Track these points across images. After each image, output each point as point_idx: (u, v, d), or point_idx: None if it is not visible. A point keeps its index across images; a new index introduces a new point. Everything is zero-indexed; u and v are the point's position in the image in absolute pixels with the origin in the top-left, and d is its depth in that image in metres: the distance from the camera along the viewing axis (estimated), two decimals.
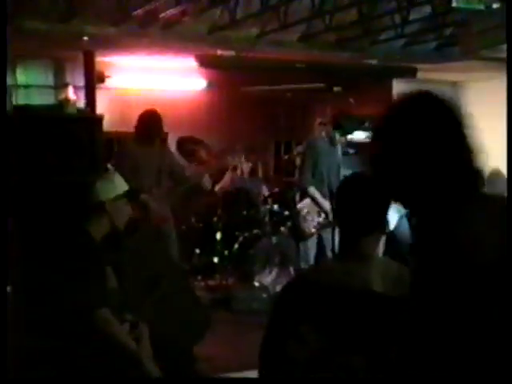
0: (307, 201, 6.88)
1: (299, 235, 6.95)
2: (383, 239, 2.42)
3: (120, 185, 3.91)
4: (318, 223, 6.82)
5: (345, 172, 7.91)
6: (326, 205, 6.81)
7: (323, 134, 7.03)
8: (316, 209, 6.84)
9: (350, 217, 2.41)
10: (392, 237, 7.57)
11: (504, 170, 8.10)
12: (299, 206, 6.95)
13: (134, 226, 4.04)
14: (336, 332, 2.25)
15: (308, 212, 6.83)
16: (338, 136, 6.96)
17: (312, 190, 6.84)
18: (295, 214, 6.93)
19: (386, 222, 2.41)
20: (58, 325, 3.51)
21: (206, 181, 7.01)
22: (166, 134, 8.80)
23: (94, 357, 3.49)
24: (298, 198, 7.20)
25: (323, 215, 6.81)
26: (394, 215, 7.38)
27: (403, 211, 7.38)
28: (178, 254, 6.87)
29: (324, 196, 6.86)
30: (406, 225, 7.51)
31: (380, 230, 2.40)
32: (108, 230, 3.81)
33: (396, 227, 7.40)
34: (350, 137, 10.20)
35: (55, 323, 3.51)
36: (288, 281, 2.64)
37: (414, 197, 1.86)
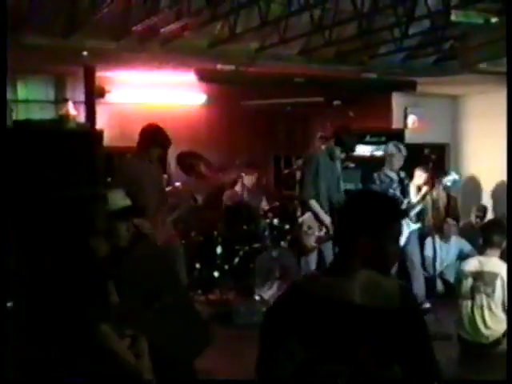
0: (308, 215, 6.87)
1: (300, 250, 6.94)
2: None
3: (116, 204, 3.91)
4: (319, 237, 6.82)
5: (345, 186, 7.93)
6: (327, 218, 6.81)
7: (323, 148, 7.03)
8: (316, 223, 6.83)
9: (339, 231, 2.51)
10: (405, 251, 7.61)
11: (504, 177, 8.10)
12: (300, 220, 6.94)
13: (134, 241, 4.04)
14: (319, 342, 2.30)
15: (309, 226, 6.82)
16: (338, 152, 6.96)
17: (313, 203, 6.84)
18: (296, 229, 6.92)
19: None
20: (59, 339, 3.50)
21: (198, 199, 6.90)
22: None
23: (93, 371, 3.48)
24: (299, 212, 7.19)
25: (324, 229, 6.81)
26: (405, 231, 7.40)
27: (413, 227, 7.41)
28: (185, 269, 6.84)
29: (324, 210, 6.86)
30: (415, 240, 7.51)
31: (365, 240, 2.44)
32: (111, 246, 3.81)
33: (405, 243, 7.42)
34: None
35: (57, 338, 3.51)
36: (276, 298, 2.74)
37: None
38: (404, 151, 7.65)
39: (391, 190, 7.51)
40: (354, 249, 2.41)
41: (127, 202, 3.93)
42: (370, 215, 2.44)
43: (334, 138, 6.92)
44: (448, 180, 7.86)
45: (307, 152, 7.30)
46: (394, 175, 7.60)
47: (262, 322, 2.53)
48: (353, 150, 7.21)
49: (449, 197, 10.24)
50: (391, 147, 7.81)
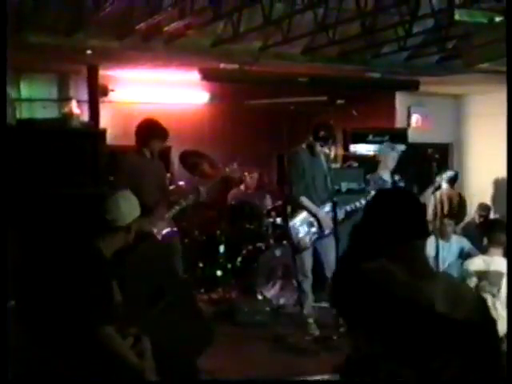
0: (300, 213, 6.85)
1: (294, 248, 6.92)
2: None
3: (137, 205, 3.92)
4: (312, 234, 6.80)
5: (349, 185, 7.90)
6: (320, 213, 6.77)
7: (303, 145, 7.00)
8: (309, 220, 6.81)
9: (406, 225, 2.49)
10: None
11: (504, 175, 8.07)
12: (292, 220, 6.90)
13: (137, 239, 4.03)
14: (391, 341, 2.28)
15: (301, 224, 6.80)
16: (318, 147, 6.90)
17: (304, 199, 6.80)
18: (290, 227, 6.89)
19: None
20: (62, 340, 3.50)
21: (202, 195, 6.89)
22: (169, 147, 8.81)
23: (96, 371, 3.48)
24: (289, 209, 7.14)
25: (316, 225, 6.78)
26: None
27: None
28: (183, 267, 6.85)
29: (316, 205, 6.82)
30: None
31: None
32: (120, 247, 3.81)
33: None
34: (353, 150, 10.28)
35: (59, 338, 3.51)
36: (350, 269, 2.72)
37: None
38: (397, 151, 7.60)
39: None
40: (424, 250, 2.45)
41: (137, 202, 3.94)
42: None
43: (312, 134, 6.89)
44: (443, 178, 7.81)
45: (289, 151, 7.24)
46: (387, 177, 7.55)
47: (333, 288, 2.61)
48: (329, 144, 7.04)
49: (460, 196, 10.20)
50: (385, 148, 7.78)
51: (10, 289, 3.53)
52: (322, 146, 6.86)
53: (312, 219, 6.80)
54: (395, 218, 2.49)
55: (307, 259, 6.84)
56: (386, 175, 7.56)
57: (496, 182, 10.91)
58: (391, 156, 7.54)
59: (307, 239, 6.78)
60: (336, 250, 6.41)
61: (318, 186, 6.85)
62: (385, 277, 2.42)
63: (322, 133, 6.83)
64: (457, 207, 9.93)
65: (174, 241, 6.71)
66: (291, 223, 6.84)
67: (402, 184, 7.49)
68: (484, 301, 2.51)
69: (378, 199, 2.64)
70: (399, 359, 2.25)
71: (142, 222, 5.19)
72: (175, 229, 6.74)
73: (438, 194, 8.44)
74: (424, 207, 2.61)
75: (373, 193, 7.24)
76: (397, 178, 7.53)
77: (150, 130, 6.61)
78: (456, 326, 2.27)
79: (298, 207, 6.86)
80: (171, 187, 7.69)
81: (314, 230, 6.80)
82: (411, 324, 2.27)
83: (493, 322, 2.43)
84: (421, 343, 2.26)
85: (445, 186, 9.80)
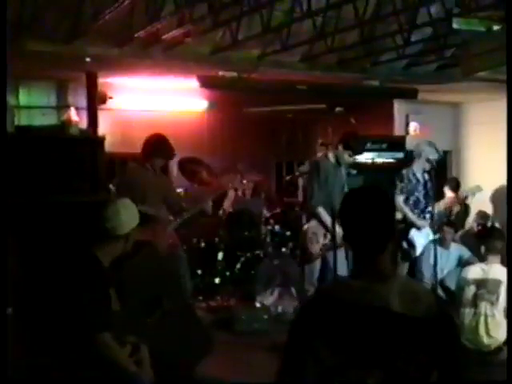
0: (313, 223, 6.83)
1: (305, 257, 6.90)
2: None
3: (136, 214, 3.92)
4: (324, 245, 6.78)
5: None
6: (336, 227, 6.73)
7: (330, 154, 6.97)
8: (322, 231, 6.78)
9: (363, 235, 2.43)
10: (418, 262, 7.49)
11: (504, 182, 8.09)
12: (305, 227, 6.89)
13: (137, 248, 4.03)
14: (352, 348, 2.28)
15: (314, 234, 6.77)
16: (346, 157, 6.90)
17: (320, 210, 6.76)
18: (301, 236, 6.87)
19: (395, 235, 2.50)
20: (60, 348, 3.50)
21: (208, 206, 6.90)
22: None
23: (94, 379, 3.47)
24: (304, 219, 7.13)
25: (328, 236, 6.75)
26: (421, 240, 7.32)
27: (431, 237, 7.30)
28: (189, 276, 6.85)
29: (331, 216, 6.79)
30: (431, 252, 7.44)
31: (392, 243, 2.45)
32: (118, 255, 3.80)
33: (422, 253, 7.37)
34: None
35: (58, 346, 3.50)
36: (307, 299, 2.68)
37: None
38: (439, 152, 7.42)
39: (416, 193, 7.37)
40: (385, 253, 2.42)
41: (138, 214, 3.94)
42: (394, 217, 2.48)
43: (342, 143, 6.87)
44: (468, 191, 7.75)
45: (313, 158, 7.22)
46: (420, 176, 7.43)
47: (291, 326, 2.46)
48: (361, 154, 7.09)
49: (466, 206, 10.19)
50: (424, 145, 7.61)
51: (8, 296, 3.53)
52: (350, 156, 6.88)
53: (324, 231, 6.77)
54: (354, 226, 2.45)
55: (316, 268, 6.83)
56: (419, 173, 7.43)
57: (495, 190, 10.90)
58: (430, 155, 7.36)
59: (318, 249, 6.77)
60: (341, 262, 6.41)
61: (337, 195, 6.79)
62: (339, 287, 2.43)
63: (351, 142, 6.85)
64: (462, 215, 9.91)
65: (177, 252, 6.70)
66: (304, 232, 6.83)
67: (430, 185, 7.38)
68: (439, 297, 2.54)
69: (344, 202, 2.55)
70: (364, 365, 2.26)
71: (141, 230, 5.19)
72: (176, 240, 6.73)
73: (443, 202, 8.45)
74: (388, 214, 2.47)
75: (400, 187, 7.26)
76: (427, 177, 7.42)
77: (156, 148, 6.61)
78: (414, 322, 2.28)
79: (314, 217, 6.83)
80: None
81: (326, 240, 6.77)
82: (370, 327, 2.28)
83: (450, 316, 2.45)
84: (382, 344, 2.27)
85: (450, 194, 9.79)
